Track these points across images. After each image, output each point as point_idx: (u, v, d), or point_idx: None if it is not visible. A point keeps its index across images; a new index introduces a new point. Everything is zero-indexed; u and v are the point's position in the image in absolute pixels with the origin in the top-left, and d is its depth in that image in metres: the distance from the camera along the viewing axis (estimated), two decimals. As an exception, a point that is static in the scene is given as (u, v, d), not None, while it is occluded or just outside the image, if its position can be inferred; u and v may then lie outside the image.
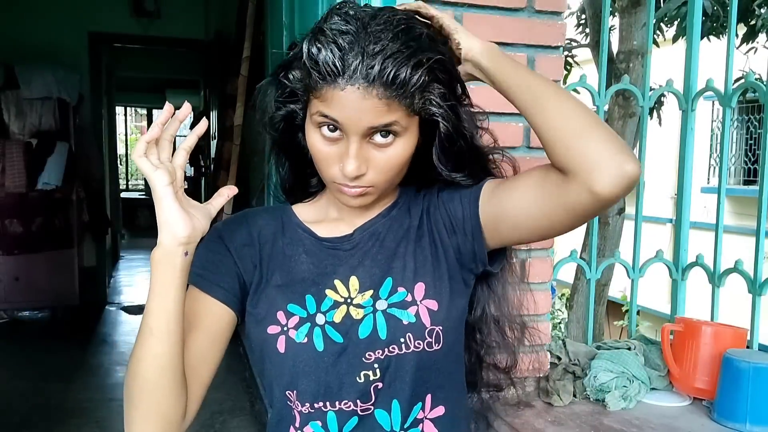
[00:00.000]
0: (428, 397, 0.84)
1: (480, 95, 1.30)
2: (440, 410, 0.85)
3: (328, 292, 0.84)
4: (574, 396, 1.37)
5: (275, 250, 0.88)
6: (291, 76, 0.80)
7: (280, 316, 0.83)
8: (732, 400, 1.27)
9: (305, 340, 0.81)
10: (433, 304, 0.83)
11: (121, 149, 13.10)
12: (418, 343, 0.81)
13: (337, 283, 0.85)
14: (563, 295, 6.89)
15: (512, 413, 1.29)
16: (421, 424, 0.83)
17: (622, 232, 3.68)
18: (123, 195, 9.29)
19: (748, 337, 1.44)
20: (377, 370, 0.81)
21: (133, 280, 6.81)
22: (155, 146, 0.75)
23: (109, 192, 6.32)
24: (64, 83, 4.92)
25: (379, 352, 0.81)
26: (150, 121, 13.48)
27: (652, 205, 7.85)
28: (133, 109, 15.19)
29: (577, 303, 3.75)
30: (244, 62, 3.13)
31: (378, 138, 0.78)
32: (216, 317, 0.85)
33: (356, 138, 0.77)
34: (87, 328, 4.73)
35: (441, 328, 0.82)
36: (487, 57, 0.85)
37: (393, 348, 0.81)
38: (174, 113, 0.76)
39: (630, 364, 1.39)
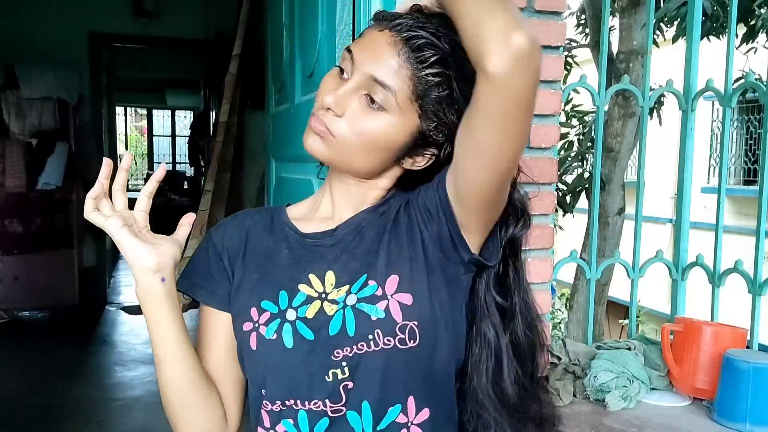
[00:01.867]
0: (410, 400, 0.79)
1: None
2: (425, 413, 0.80)
3: (302, 287, 0.82)
4: (574, 396, 1.38)
5: (258, 248, 0.87)
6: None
7: (253, 312, 0.82)
8: (732, 400, 1.27)
9: (274, 336, 0.79)
10: (407, 298, 0.78)
11: (121, 149, 13.11)
12: (388, 340, 0.76)
13: (312, 277, 0.82)
14: (563, 295, 6.89)
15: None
16: (405, 429, 0.79)
17: (622, 232, 3.68)
18: (123, 195, 9.25)
19: (748, 337, 1.44)
20: (345, 369, 0.77)
21: (133, 280, 6.80)
22: (106, 199, 0.79)
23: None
24: (64, 83, 4.92)
25: (347, 350, 0.77)
26: (150, 121, 13.48)
27: (652, 205, 7.85)
28: (133, 109, 15.19)
29: (577, 303, 3.75)
30: (233, 60, 3.11)
31: (370, 100, 0.79)
32: (224, 326, 0.86)
33: (355, 79, 0.79)
34: (87, 328, 4.72)
35: (416, 323, 0.77)
36: None
37: (362, 345, 0.77)
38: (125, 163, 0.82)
39: (630, 364, 1.39)
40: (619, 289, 4.19)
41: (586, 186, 3.54)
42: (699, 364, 1.38)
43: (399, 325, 0.77)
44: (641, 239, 1.64)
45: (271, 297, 0.82)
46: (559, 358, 1.43)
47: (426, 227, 0.82)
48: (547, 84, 1.35)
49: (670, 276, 1.66)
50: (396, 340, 0.77)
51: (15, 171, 4.80)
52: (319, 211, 0.89)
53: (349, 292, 0.80)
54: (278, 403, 0.80)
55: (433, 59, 0.77)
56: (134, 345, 4.38)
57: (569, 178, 3.73)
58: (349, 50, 0.80)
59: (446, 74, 0.78)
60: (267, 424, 0.81)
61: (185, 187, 10.71)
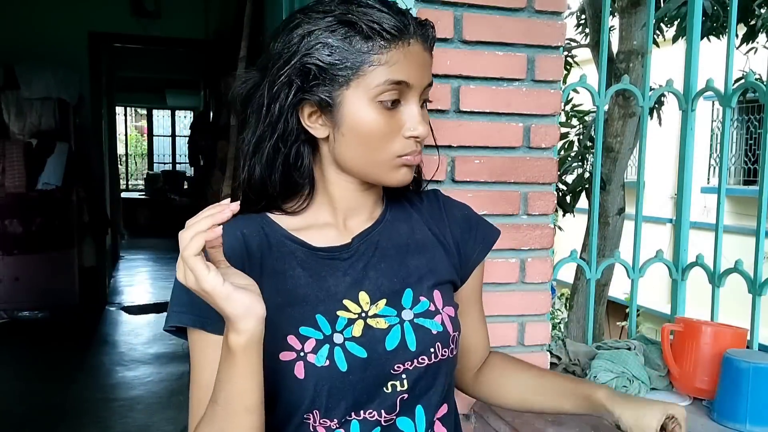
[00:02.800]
0: (440, 399, 0.85)
1: (480, 94, 1.31)
2: (444, 408, 0.85)
3: (340, 312, 0.79)
4: (574, 396, 1.37)
5: (265, 267, 0.80)
6: (324, 60, 0.75)
7: (293, 340, 0.77)
8: (732, 400, 1.27)
9: (327, 362, 0.76)
10: (451, 311, 0.85)
11: (121, 149, 13.11)
12: (445, 351, 0.81)
13: (347, 302, 0.80)
14: (563, 295, 6.89)
15: (512, 413, 1.28)
16: (434, 425, 0.83)
17: (622, 232, 3.68)
18: (123, 195, 9.30)
19: (748, 337, 1.44)
20: (405, 381, 0.79)
21: (133, 280, 6.81)
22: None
23: (109, 192, 6.32)
24: (64, 83, 4.92)
25: (408, 364, 0.79)
26: (150, 121, 13.49)
27: (652, 205, 7.86)
28: (133, 109, 15.20)
29: (577, 303, 3.75)
30: (240, 62, 3.12)
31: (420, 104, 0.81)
32: None
33: (416, 99, 0.79)
34: (87, 328, 4.73)
35: (457, 333, 0.84)
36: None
37: (423, 359, 0.80)
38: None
39: (630, 364, 1.38)
40: (619, 289, 4.19)
41: (586, 186, 3.54)
42: (699, 364, 1.38)
43: (451, 336, 0.83)
44: (641, 239, 1.64)
45: (308, 322, 0.78)
46: (559, 358, 1.43)
47: (452, 254, 0.90)
48: (547, 84, 1.35)
49: (670, 276, 1.66)
50: (449, 350, 0.82)
51: (15, 171, 4.80)
52: (318, 220, 0.85)
53: (400, 308, 0.82)
54: (335, 420, 0.77)
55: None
56: (134, 345, 4.38)
57: (569, 178, 3.73)
58: (398, 82, 0.76)
59: None
60: None
61: (185, 187, 10.73)
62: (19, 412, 3.22)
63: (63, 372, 3.80)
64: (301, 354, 0.76)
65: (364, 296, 0.81)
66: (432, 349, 0.80)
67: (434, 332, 0.81)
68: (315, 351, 0.76)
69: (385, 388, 0.78)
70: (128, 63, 7.63)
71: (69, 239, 5.07)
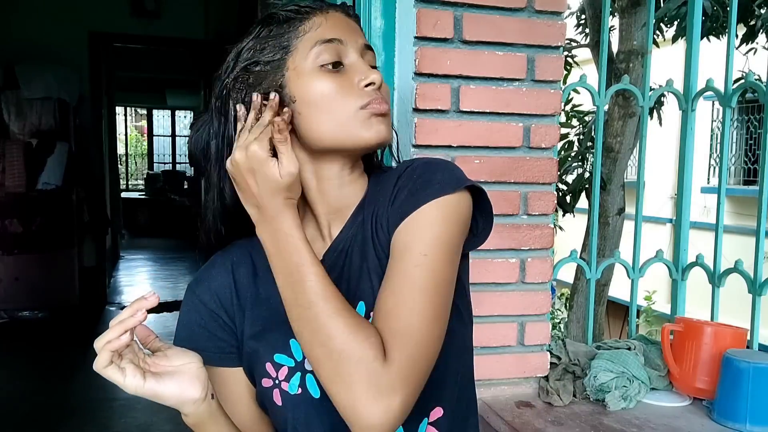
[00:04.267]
0: (431, 407, 0.80)
1: (480, 94, 1.31)
2: (438, 412, 0.80)
3: None
4: (574, 396, 1.37)
5: (250, 294, 0.83)
6: (256, 59, 0.79)
7: (269, 368, 0.79)
8: (732, 400, 1.27)
9: (299, 390, 0.78)
10: None
11: (121, 149, 13.11)
12: None
13: None
14: (563, 295, 6.89)
15: (512, 413, 1.29)
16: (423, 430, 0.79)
17: (622, 232, 3.68)
18: (123, 195, 9.29)
19: (748, 337, 1.44)
20: None
21: (133, 280, 6.80)
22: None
23: (109, 192, 6.32)
24: (64, 83, 4.92)
25: None
26: (150, 121, 13.48)
27: (652, 205, 7.87)
28: (133, 109, 15.20)
29: (577, 303, 3.75)
30: None
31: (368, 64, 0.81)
32: (242, 381, 0.84)
33: (357, 56, 0.79)
34: (87, 328, 4.73)
35: None
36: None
37: None
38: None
39: (630, 364, 1.39)
40: (619, 289, 4.19)
41: (586, 186, 3.54)
42: (699, 364, 1.38)
43: None
44: (641, 239, 1.64)
45: (282, 349, 0.79)
46: (559, 358, 1.43)
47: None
48: (547, 84, 1.35)
49: (670, 276, 1.66)
50: None
51: (15, 171, 4.80)
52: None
53: None
54: None
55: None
56: (134, 345, 4.38)
57: (569, 178, 3.73)
58: (330, 40, 0.78)
59: None
60: None
61: (185, 187, 10.72)
62: (20, 412, 3.22)
63: (63, 372, 3.80)
64: (277, 381, 0.80)
65: None
66: None
67: None
68: (288, 379, 0.79)
69: None
70: (128, 63, 7.62)
71: (69, 239, 5.06)
